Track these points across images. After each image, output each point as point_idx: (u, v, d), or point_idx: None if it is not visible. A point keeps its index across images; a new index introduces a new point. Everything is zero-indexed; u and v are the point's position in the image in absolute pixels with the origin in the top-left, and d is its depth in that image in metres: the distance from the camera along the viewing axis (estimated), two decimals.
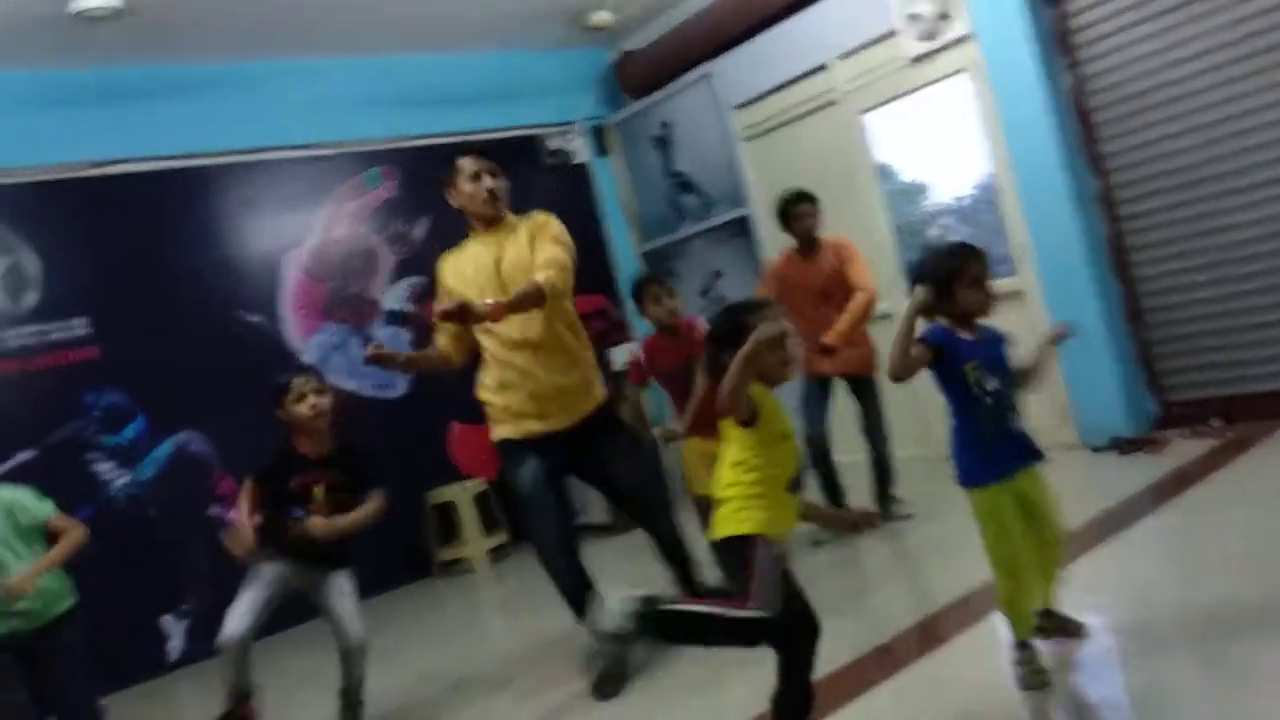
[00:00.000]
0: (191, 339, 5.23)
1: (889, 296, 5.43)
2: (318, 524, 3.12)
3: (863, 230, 5.53)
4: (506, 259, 3.17)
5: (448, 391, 5.90)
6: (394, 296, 5.92)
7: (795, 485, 2.29)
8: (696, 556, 3.53)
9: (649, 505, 3.46)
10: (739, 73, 5.94)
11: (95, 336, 5.00)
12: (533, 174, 6.57)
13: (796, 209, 4.34)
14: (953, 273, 2.54)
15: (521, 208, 6.40)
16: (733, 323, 2.29)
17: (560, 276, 3.10)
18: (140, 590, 4.94)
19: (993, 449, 2.52)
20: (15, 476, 4.67)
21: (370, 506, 3.24)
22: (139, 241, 5.17)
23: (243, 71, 5.49)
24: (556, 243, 3.19)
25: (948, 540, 3.84)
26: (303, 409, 3.22)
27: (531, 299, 2.99)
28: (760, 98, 5.88)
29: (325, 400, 3.27)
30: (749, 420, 2.23)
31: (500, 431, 3.31)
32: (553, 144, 6.68)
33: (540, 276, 3.03)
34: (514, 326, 3.13)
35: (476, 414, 5.93)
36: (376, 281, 5.89)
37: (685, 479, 4.04)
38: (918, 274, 2.62)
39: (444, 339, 3.33)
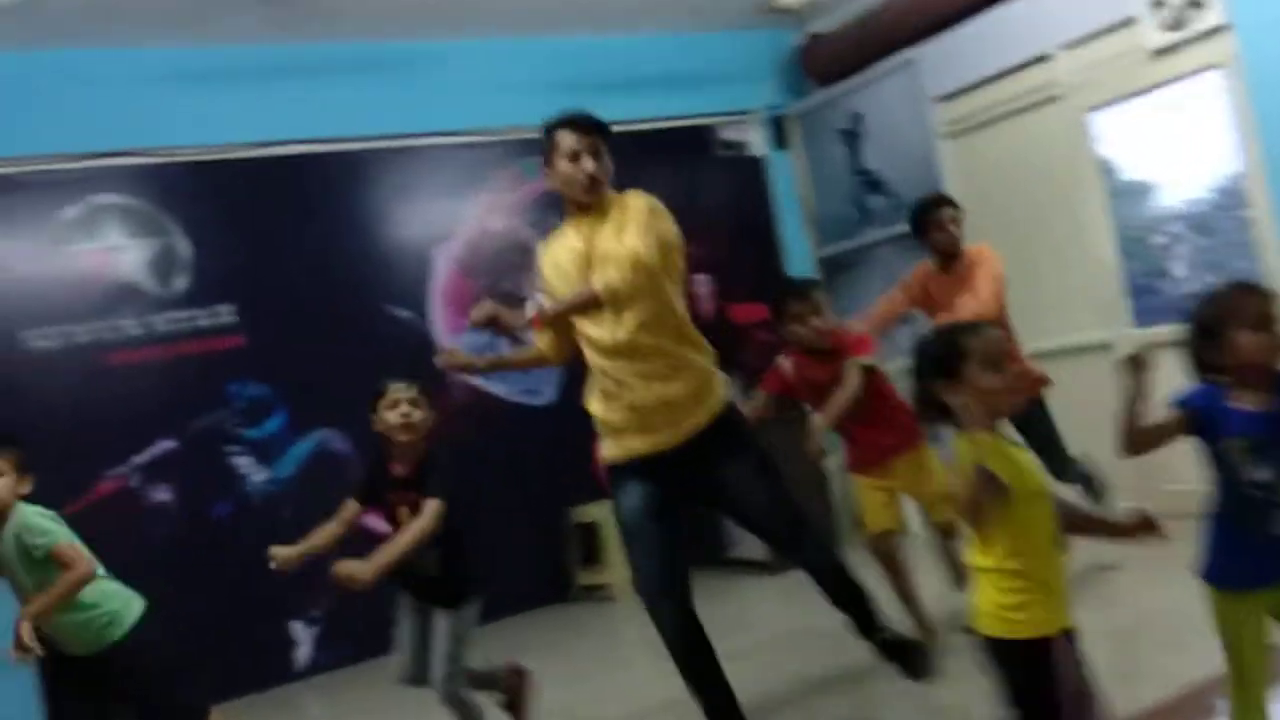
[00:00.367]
0: (337, 332, 5.22)
1: (1109, 322, 4.93)
2: (342, 570, 2.82)
3: (1080, 247, 5.04)
4: (597, 249, 2.85)
5: None
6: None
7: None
8: (872, 592, 3.19)
9: (791, 533, 3.06)
10: (945, 61, 5.50)
11: (241, 325, 5.05)
12: (702, 166, 6.33)
13: (936, 215, 3.91)
14: (1224, 314, 2.08)
15: (690, 203, 6.31)
16: (948, 347, 1.99)
17: (629, 277, 2.74)
18: (272, 592, 4.94)
19: (1250, 550, 2.07)
20: (156, 466, 4.81)
21: (412, 530, 2.94)
22: (290, 227, 5.19)
23: (402, 51, 5.43)
24: (644, 231, 2.80)
25: (1170, 612, 3.37)
26: (392, 417, 3.07)
27: (581, 307, 2.77)
28: (968, 89, 5.43)
29: (419, 414, 3.09)
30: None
31: (604, 451, 3.03)
32: (726, 134, 6.40)
33: (600, 279, 2.76)
34: (603, 329, 2.83)
35: None
36: (530, 278, 5.76)
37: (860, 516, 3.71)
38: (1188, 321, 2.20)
39: (542, 338, 3.08)
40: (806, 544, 3.06)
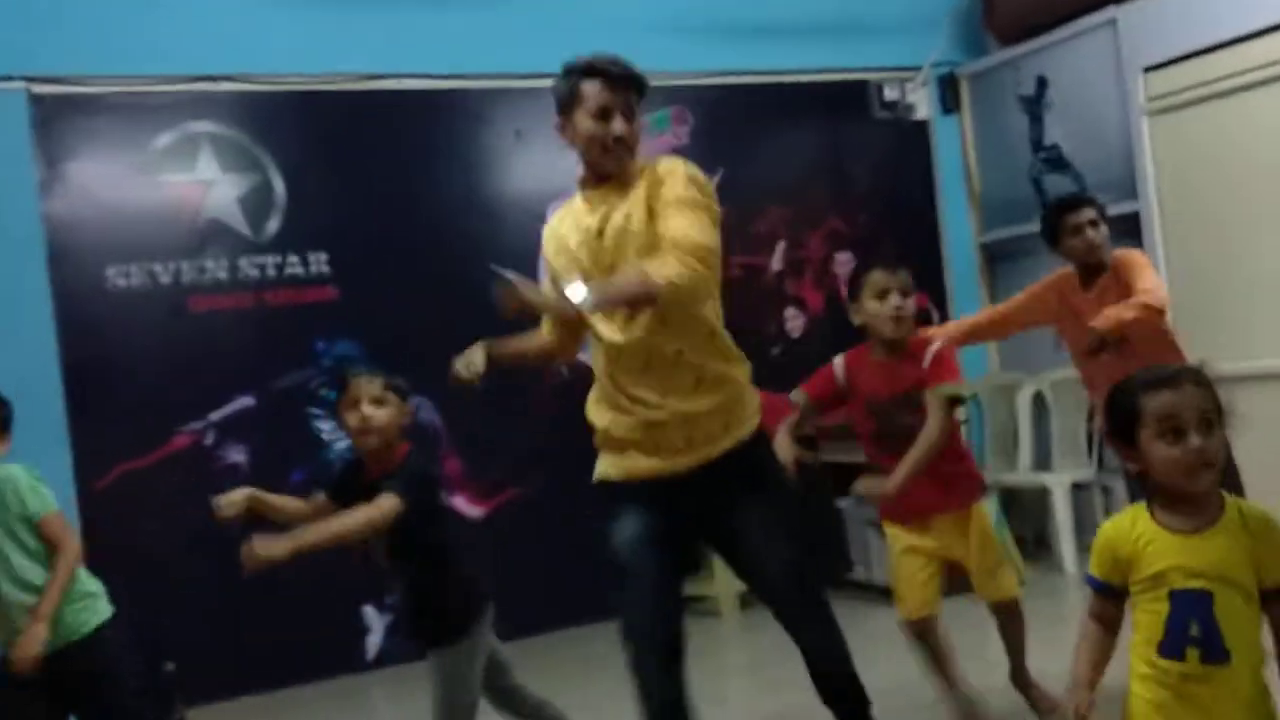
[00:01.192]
0: (438, 291, 5.20)
1: None
2: (250, 551, 2.62)
3: None
4: (611, 225, 2.58)
5: None
6: None
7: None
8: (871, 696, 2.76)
9: (802, 609, 2.70)
10: (1157, 24, 5.20)
11: (334, 276, 5.07)
12: (856, 128, 6.16)
13: (1073, 218, 3.65)
14: None
15: (838, 169, 6.16)
16: (1123, 403, 1.98)
17: (695, 271, 2.42)
18: (346, 574, 4.95)
19: None
20: (232, 424, 4.89)
21: (353, 517, 2.70)
22: (393, 171, 5.18)
23: None
24: (689, 207, 2.51)
25: None
26: (351, 419, 2.80)
27: (633, 300, 2.45)
28: (1182, 59, 5.13)
29: (383, 413, 2.81)
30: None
31: (600, 468, 2.74)
32: (889, 93, 6.20)
33: (659, 272, 2.39)
34: (613, 326, 2.59)
35: None
36: None
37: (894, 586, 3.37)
38: None
39: (548, 328, 2.86)
40: (816, 625, 2.70)
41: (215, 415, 4.87)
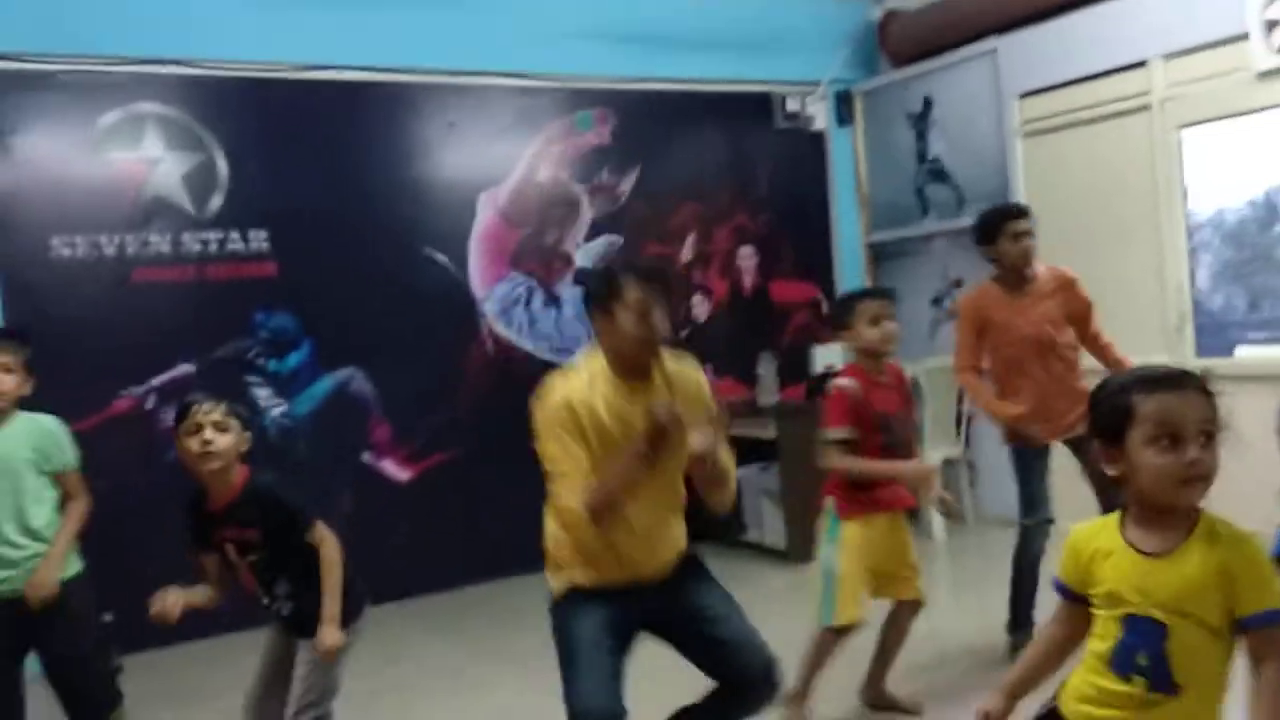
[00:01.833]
0: (371, 270, 5.11)
1: (1173, 348, 4.81)
2: (161, 606, 2.60)
3: (1152, 267, 4.90)
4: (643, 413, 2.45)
5: None
6: (588, 253, 5.65)
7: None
8: None
9: (764, 673, 2.56)
10: (1031, 54, 5.32)
11: (273, 252, 4.93)
12: (761, 134, 6.19)
13: (1011, 225, 3.62)
14: None
15: (744, 172, 6.18)
16: (1115, 402, 1.64)
17: (734, 484, 2.52)
18: None
19: None
20: (173, 389, 4.73)
21: (332, 564, 2.64)
22: (333, 156, 5.05)
23: None
24: (714, 417, 2.50)
25: None
26: (193, 444, 2.58)
27: (714, 474, 2.42)
28: (1053, 88, 5.25)
29: (225, 439, 2.61)
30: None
31: (566, 578, 2.57)
32: (791, 105, 6.22)
33: (729, 488, 2.49)
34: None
35: None
36: (572, 234, 5.64)
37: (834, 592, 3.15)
38: None
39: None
40: (770, 690, 2.59)
41: (156, 380, 4.72)
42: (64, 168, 4.55)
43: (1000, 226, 3.66)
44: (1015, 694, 1.80)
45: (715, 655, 2.53)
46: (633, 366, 2.46)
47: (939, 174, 5.96)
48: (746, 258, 6.14)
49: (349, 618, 2.67)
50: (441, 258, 5.31)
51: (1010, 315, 3.66)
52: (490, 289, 5.42)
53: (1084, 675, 1.71)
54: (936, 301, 6.05)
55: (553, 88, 5.56)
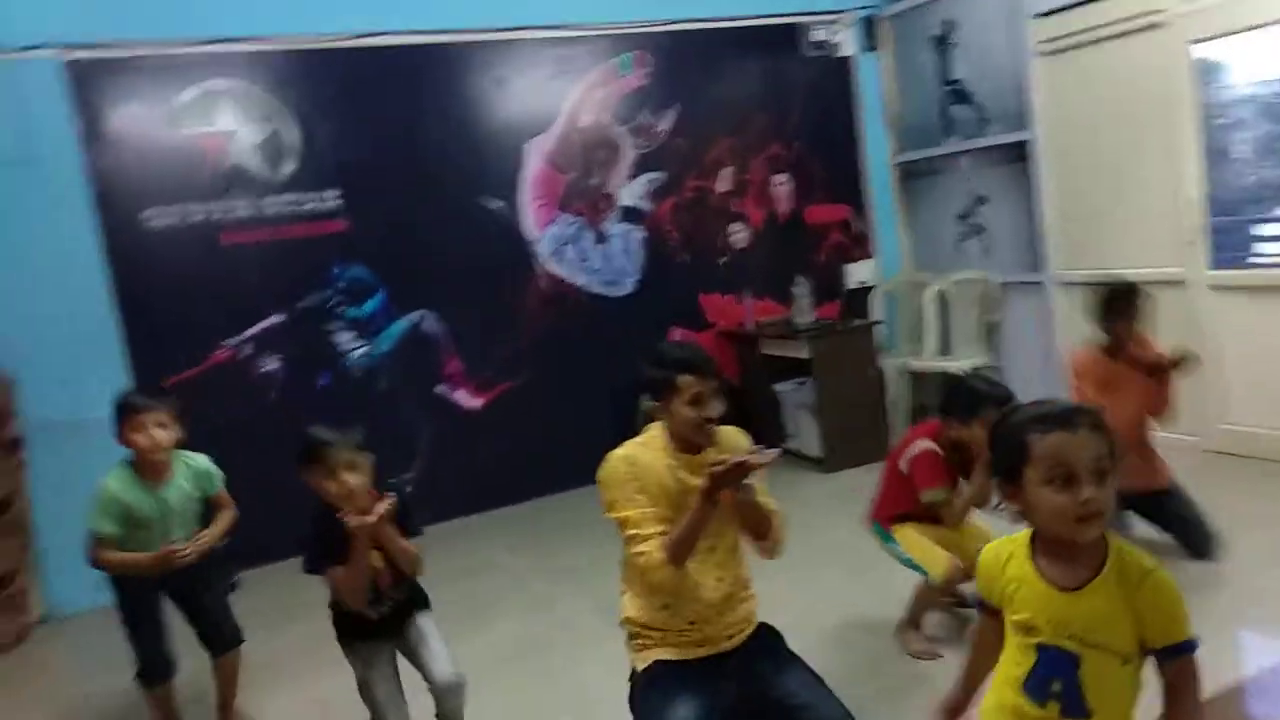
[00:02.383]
0: (434, 219, 5.21)
1: (1186, 259, 4.74)
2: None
3: (1167, 181, 4.80)
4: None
5: (673, 294, 5.80)
6: (631, 192, 5.68)
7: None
8: None
9: None
10: None
11: (345, 209, 5.04)
12: (790, 65, 6.08)
13: (1133, 305, 3.54)
14: None
15: (775, 102, 6.10)
16: (1011, 439, 1.61)
17: (783, 530, 2.54)
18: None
19: None
20: (265, 338, 4.92)
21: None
22: (392, 117, 5.11)
23: None
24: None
25: None
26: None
27: (757, 524, 2.48)
28: (1067, 8, 5.07)
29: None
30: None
31: (646, 656, 2.52)
32: (816, 34, 6.10)
33: (779, 536, 2.52)
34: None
35: (697, 320, 5.82)
36: (616, 174, 5.65)
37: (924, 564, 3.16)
38: None
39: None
40: None
41: (249, 332, 4.90)
42: (150, 145, 4.68)
43: (1127, 307, 3.59)
44: (954, 710, 1.73)
45: None
46: (690, 444, 2.51)
47: (961, 95, 5.82)
48: (781, 184, 6.10)
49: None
50: (496, 204, 5.38)
51: (1119, 374, 3.59)
52: (542, 231, 5.48)
53: (1000, 695, 1.65)
54: (962, 217, 5.98)
55: (591, 35, 5.52)
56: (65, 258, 4.51)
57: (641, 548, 2.39)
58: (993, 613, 1.68)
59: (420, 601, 2.78)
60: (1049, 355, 5.48)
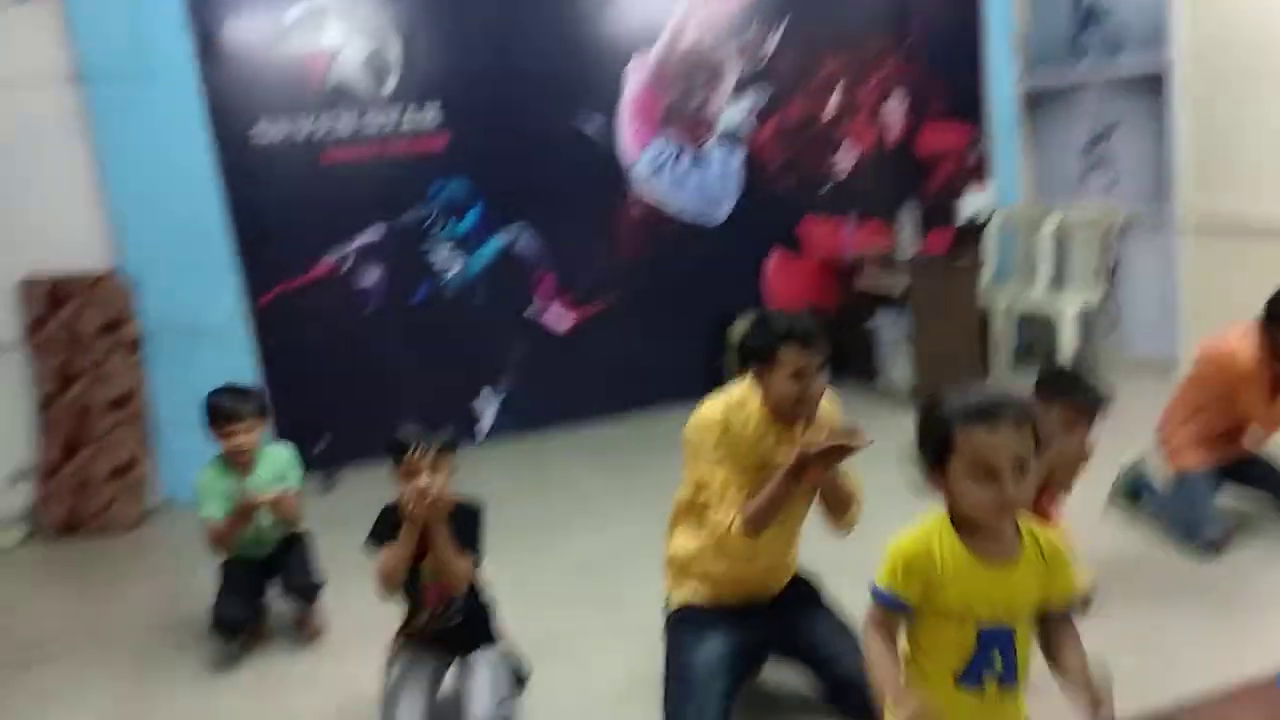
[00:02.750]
0: (532, 136, 5.04)
1: None
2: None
3: None
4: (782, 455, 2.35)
5: (771, 220, 5.50)
6: (732, 114, 5.35)
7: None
8: None
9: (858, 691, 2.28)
10: None
11: (445, 124, 4.93)
12: None
13: None
14: None
15: (895, 16, 5.56)
16: (937, 424, 1.59)
17: (860, 511, 2.42)
18: (460, 373, 5.14)
19: None
20: (365, 252, 4.93)
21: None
22: (493, 32, 4.92)
23: None
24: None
25: None
26: (407, 490, 2.43)
27: (838, 498, 2.34)
28: None
29: (440, 480, 2.41)
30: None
31: (680, 595, 2.51)
32: None
33: (856, 512, 2.39)
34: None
35: (795, 248, 5.51)
36: (717, 96, 5.33)
37: None
38: None
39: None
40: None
41: (352, 245, 4.90)
42: (260, 61, 4.65)
43: None
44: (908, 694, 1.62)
45: (831, 689, 2.42)
46: (787, 418, 2.33)
47: (1095, 15, 5.19)
48: (894, 106, 5.64)
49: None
50: (595, 122, 5.16)
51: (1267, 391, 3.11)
52: (640, 152, 5.25)
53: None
54: (1088, 147, 5.41)
55: None
56: (181, 169, 4.57)
57: (720, 515, 2.31)
58: (900, 608, 1.61)
59: (485, 633, 2.63)
60: (1169, 302, 4.99)
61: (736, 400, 2.37)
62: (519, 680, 2.69)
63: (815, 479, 2.29)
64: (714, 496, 2.32)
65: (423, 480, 2.38)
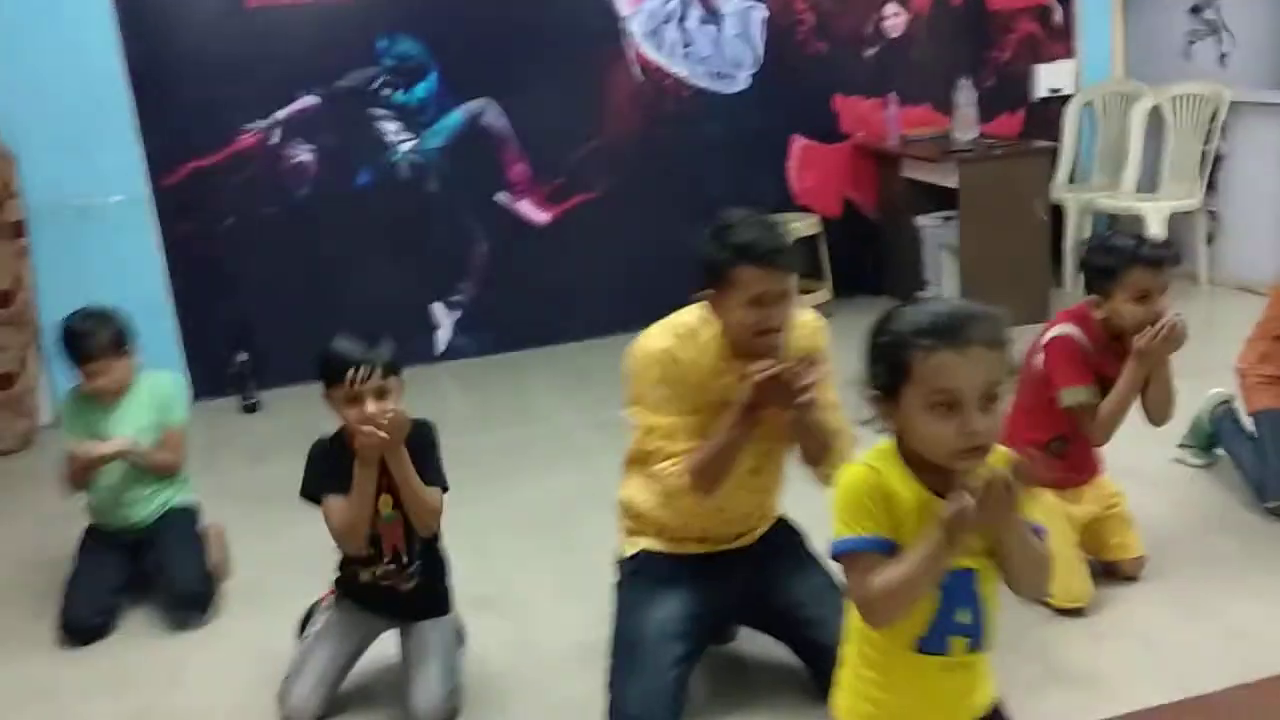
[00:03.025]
0: None
1: None
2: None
3: None
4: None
5: (800, 92, 5.16)
6: None
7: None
8: None
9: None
10: None
11: None
12: None
13: None
14: None
15: None
16: (894, 345, 1.48)
17: (851, 453, 2.15)
18: (414, 272, 4.92)
19: None
20: (297, 122, 4.65)
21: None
22: None
23: None
24: (831, 380, 2.18)
25: None
26: (351, 415, 2.26)
27: (823, 447, 2.14)
28: None
29: (390, 404, 2.25)
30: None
31: (636, 542, 2.39)
32: None
33: (839, 460, 2.12)
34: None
35: (827, 128, 5.14)
36: None
37: None
38: None
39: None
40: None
41: (280, 114, 4.65)
42: None
43: None
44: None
45: (811, 658, 2.29)
46: (748, 353, 2.09)
47: None
48: None
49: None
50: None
51: None
52: (637, 5, 4.90)
53: (880, 674, 1.56)
54: (1195, 11, 4.99)
55: None
56: (69, 18, 4.33)
57: (667, 465, 2.19)
58: (884, 547, 1.47)
59: (440, 602, 2.49)
60: None
61: (688, 328, 2.21)
62: (459, 644, 2.57)
63: (777, 422, 2.12)
64: (659, 443, 2.19)
65: (370, 407, 2.22)
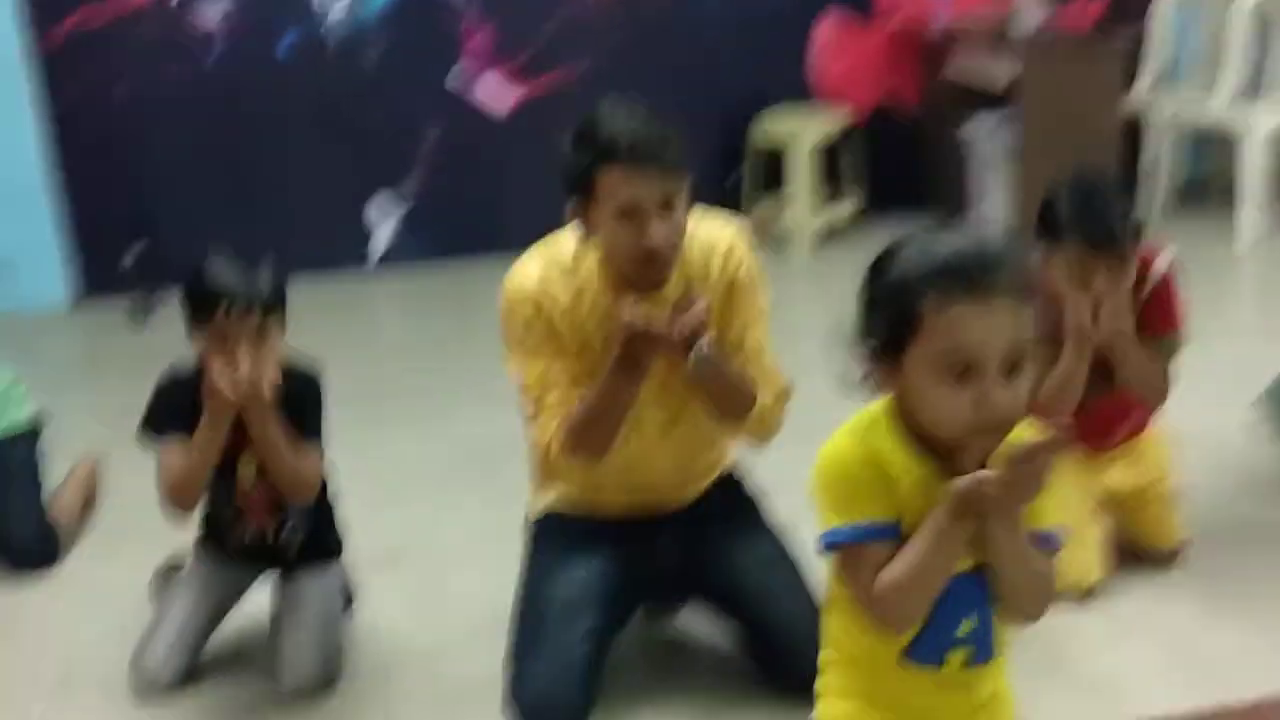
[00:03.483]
0: None
1: None
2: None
3: None
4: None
5: None
6: None
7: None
8: None
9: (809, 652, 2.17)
10: None
11: None
12: None
13: None
14: None
15: None
16: (903, 297, 1.44)
17: (781, 408, 2.25)
18: (345, 166, 5.02)
19: None
20: None
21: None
22: None
23: None
24: (764, 321, 2.25)
25: None
26: (217, 364, 2.27)
27: (727, 399, 2.16)
28: None
29: (265, 351, 2.29)
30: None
31: (546, 500, 2.44)
32: None
33: (763, 410, 2.20)
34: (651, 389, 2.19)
35: (862, 6, 5.20)
36: None
37: None
38: None
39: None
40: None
41: None
42: None
43: None
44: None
45: (755, 639, 2.35)
46: (626, 279, 2.10)
47: None
48: None
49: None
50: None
51: None
52: None
53: (867, 686, 1.56)
54: None
55: None
56: None
57: (540, 425, 2.20)
58: (888, 535, 1.45)
59: (324, 549, 2.53)
60: None
61: (565, 257, 2.22)
62: (347, 604, 2.64)
63: (671, 371, 2.13)
64: (537, 399, 2.20)
65: (243, 356, 2.21)
